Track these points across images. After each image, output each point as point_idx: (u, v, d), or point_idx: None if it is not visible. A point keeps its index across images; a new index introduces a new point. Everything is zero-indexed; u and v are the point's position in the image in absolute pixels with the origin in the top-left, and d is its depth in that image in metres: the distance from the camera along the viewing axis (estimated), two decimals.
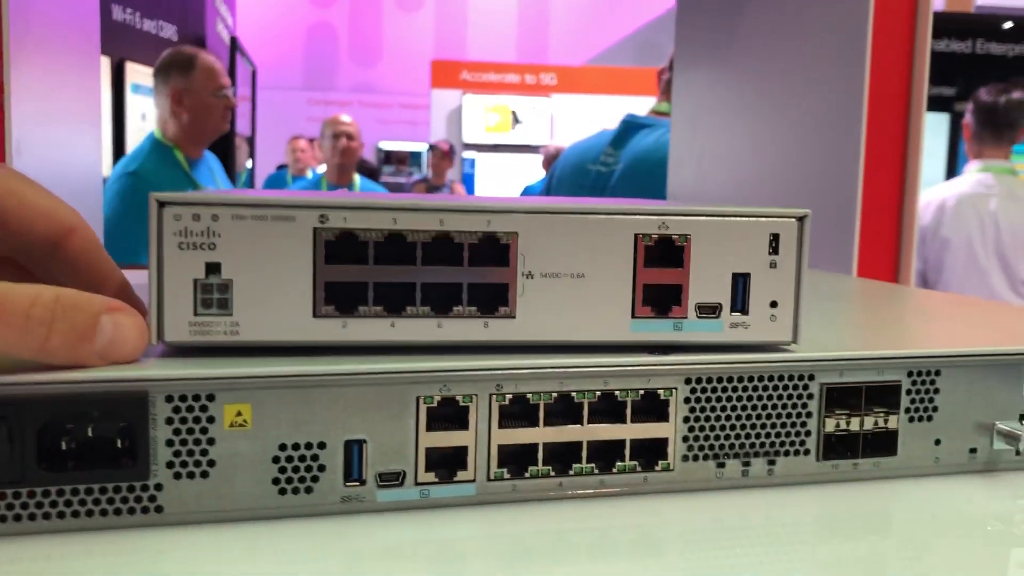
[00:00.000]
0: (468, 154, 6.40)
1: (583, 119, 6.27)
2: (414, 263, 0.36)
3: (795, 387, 0.39)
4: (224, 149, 3.24)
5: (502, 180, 6.33)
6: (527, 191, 4.49)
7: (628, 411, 0.37)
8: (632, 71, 6.30)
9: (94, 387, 0.32)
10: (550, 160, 4.77)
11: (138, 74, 3.19)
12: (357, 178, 2.95)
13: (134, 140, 3.10)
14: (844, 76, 0.79)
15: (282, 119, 6.34)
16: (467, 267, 0.36)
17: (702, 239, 0.37)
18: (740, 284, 0.38)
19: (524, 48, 7.29)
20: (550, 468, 0.37)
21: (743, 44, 0.97)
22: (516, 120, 6.53)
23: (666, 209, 0.37)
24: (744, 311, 0.38)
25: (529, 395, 0.36)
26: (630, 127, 1.71)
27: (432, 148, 4.87)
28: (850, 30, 0.78)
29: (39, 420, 0.32)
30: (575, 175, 1.78)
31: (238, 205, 0.34)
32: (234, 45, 4.41)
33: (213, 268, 0.34)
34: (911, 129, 0.78)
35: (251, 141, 5.06)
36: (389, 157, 6.84)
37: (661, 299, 0.38)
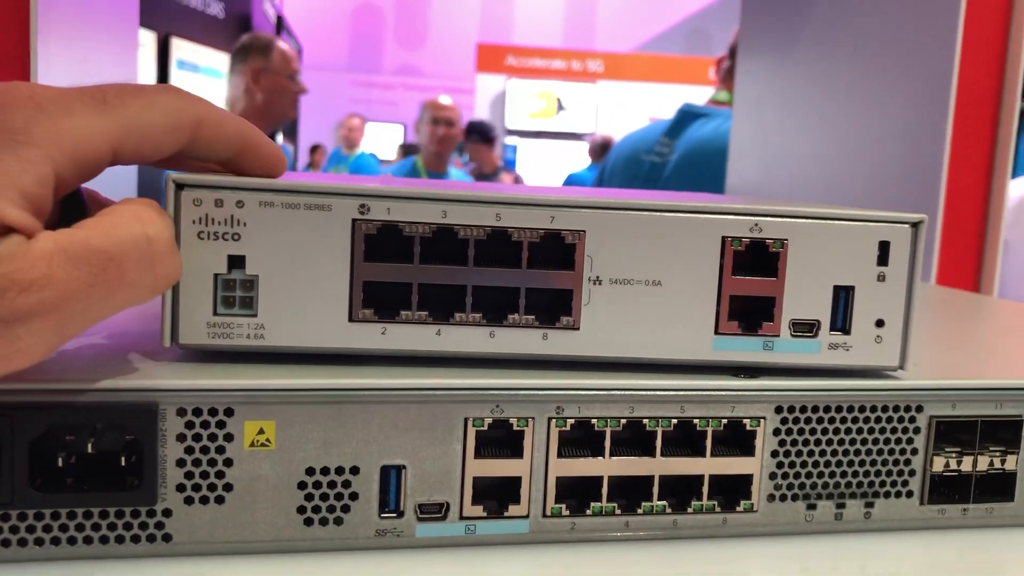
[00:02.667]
0: (510, 140, 6.34)
1: (629, 107, 6.18)
2: (465, 263, 0.31)
3: (900, 420, 0.33)
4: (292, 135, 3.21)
5: (544, 168, 6.26)
6: (570, 180, 4.42)
7: (708, 442, 0.32)
8: (681, 59, 6.19)
9: (96, 396, 0.28)
10: (596, 149, 4.69)
11: (184, 50, 3.17)
12: (452, 169, 2.82)
13: None
14: (929, 69, 0.73)
15: (326, 100, 6.31)
16: (526, 269, 0.31)
17: (800, 245, 0.32)
18: (842, 299, 0.33)
19: (571, 33, 7.20)
20: (615, 505, 0.32)
21: (813, 32, 0.91)
22: (560, 107, 6.45)
23: (760, 208, 0.32)
24: (845, 330, 0.33)
25: (594, 420, 0.31)
26: (686, 116, 1.65)
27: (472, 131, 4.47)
28: (938, 21, 0.72)
29: (32, 432, 0.27)
30: (628, 166, 1.72)
31: (267, 190, 0.30)
32: (280, 24, 4.38)
33: (237, 262, 0.30)
34: (1001, 127, 0.72)
35: (294, 121, 5.05)
36: None
37: (750, 313, 0.32)
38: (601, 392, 0.31)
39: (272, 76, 2.07)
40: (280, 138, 4.59)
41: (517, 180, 4.33)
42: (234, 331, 0.30)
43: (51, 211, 0.30)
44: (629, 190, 0.44)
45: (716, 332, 0.32)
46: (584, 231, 0.31)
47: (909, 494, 0.34)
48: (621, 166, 1.74)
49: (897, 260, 0.33)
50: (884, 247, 0.33)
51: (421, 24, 7.26)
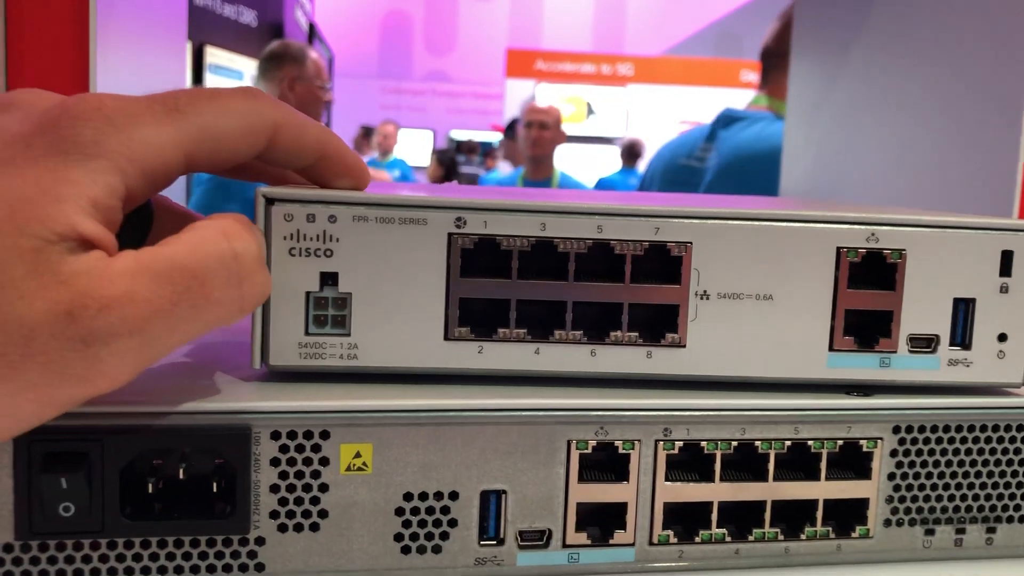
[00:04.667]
0: None
1: (660, 110, 6.14)
2: (565, 278, 0.29)
3: (1023, 440, 0.31)
4: None
5: (575, 172, 6.25)
6: (600, 184, 4.40)
7: (823, 465, 0.30)
8: (711, 62, 6.14)
9: (187, 419, 0.27)
10: (626, 153, 4.66)
11: (216, 57, 3.20)
12: (558, 172, 2.67)
13: None
14: (1002, 70, 0.71)
15: (357, 106, 6.33)
16: (629, 284, 0.30)
17: (919, 255, 0.30)
18: (962, 312, 0.31)
19: (600, 37, 7.17)
20: (725, 531, 0.30)
21: (871, 30, 0.89)
22: (590, 111, 6.42)
23: (876, 218, 0.30)
24: (966, 345, 0.31)
25: (703, 443, 0.29)
26: (726, 120, 1.62)
27: (514, 127, 4.20)
28: (1010, 10, 0.69)
29: (123, 457, 0.26)
30: (668, 171, 1.70)
31: (360, 204, 0.28)
32: (312, 32, 4.40)
33: (329, 279, 0.29)
34: None
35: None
36: (460, 147, 6.81)
37: (866, 328, 0.31)
38: (710, 412, 0.29)
39: (306, 84, 2.11)
40: None
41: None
42: (326, 351, 0.29)
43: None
44: (737, 197, 0.43)
45: (830, 348, 0.30)
46: (691, 243, 0.30)
47: None
48: (660, 172, 1.72)
49: (1021, 270, 0.31)
50: (1007, 257, 0.31)
51: (450, 30, 7.27)
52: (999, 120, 0.71)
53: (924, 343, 0.31)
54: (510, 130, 3.76)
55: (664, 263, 0.30)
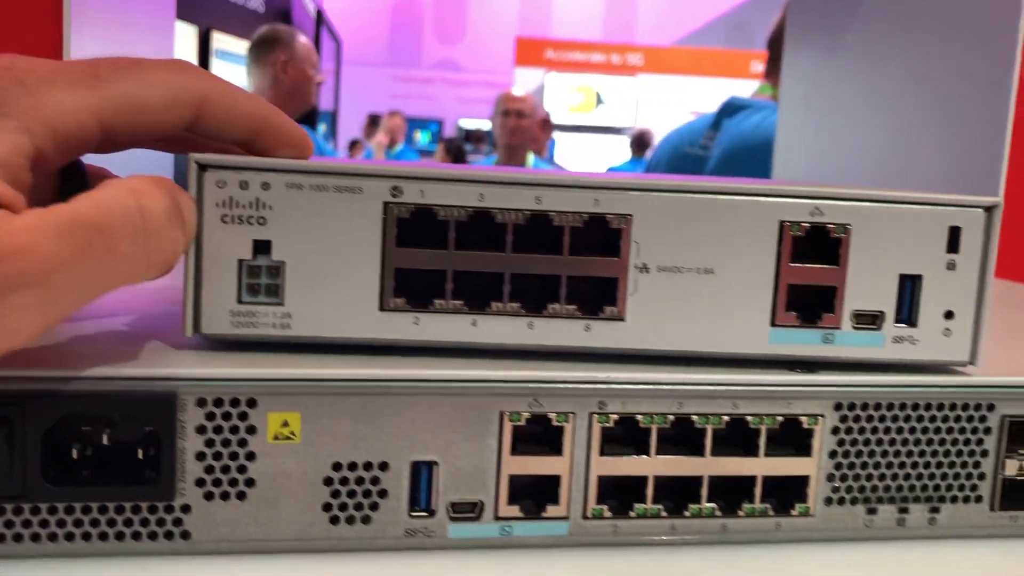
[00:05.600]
0: None
1: (670, 101, 6.12)
2: (503, 249, 0.29)
3: (969, 419, 0.31)
4: (311, 123, 3.22)
5: (583, 162, 6.23)
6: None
7: (762, 441, 0.30)
8: (722, 52, 6.11)
9: (112, 385, 0.26)
10: (635, 143, 4.64)
11: (223, 43, 3.19)
12: (531, 158, 2.66)
13: None
14: (989, 58, 0.70)
15: (365, 95, 6.32)
16: (567, 256, 0.29)
17: (865, 230, 0.30)
18: (908, 289, 0.30)
19: (611, 27, 7.14)
20: (661, 507, 0.30)
21: (865, 21, 0.88)
22: (600, 100, 6.40)
23: (821, 191, 0.30)
24: (912, 322, 0.31)
25: (639, 416, 0.29)
26: (730, 109, 1.61)
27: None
28: (998, 7, 0.69)
29: (46, 422, 0.26)
30: (672, 160, 1.69)
31: (294, 172, 0.28)
32: (320, 18, 4.39)
33: (262, 247, 0.28)
34: None
35: (333, 116, 5.07)
36: (468, 135, 6.80)
37: (809, 304, 0.30)
38: (647, 386, 0.29)
39: (298, 66, 2.12)
40: (323, 128, 4.60)
41: None
42: (259, 320, 0.29)
43: (47, 187, 0.28)
44: (680, 175, 0.42)
45: (772, 324, 0.30)
46: (631, 215, 0.29)
47: (978, 499, 0.32)
48: (665, 161, 1.71)
49: (969, 247, 0.30)
50: (955, 233, 0.30)
51: (460, 18, 7.25)
52: (987, 109, 0.70)
53: (869, 320, 0.30)
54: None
55: (603, 235, 0.29)
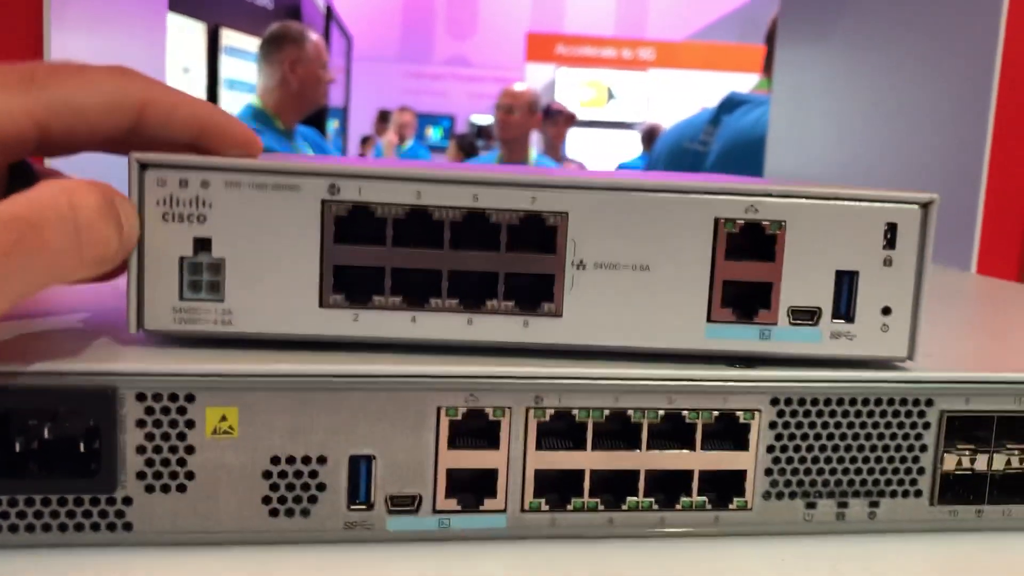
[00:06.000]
0: None
1: (681, 96, 6.10)
2: (441, 246, 0.29)
3: (908, 414, 0.31)
4: (317, 124, 3.23)
5: (595, 157, 6.22)
6: (620, 169, 4.38)
7: (698, 436, 0.30)
8: (734, 47, 6.08)
9: (54, 380, 0.27)
10: (645, 137, 4.63)
11: (232, 39, 3.21)
12: (533, 154, 2.70)
13: (227, 101, 3.12)
14: (971, 52, 0.70)
15: (376, 91, 6.34)
16: (505, 253, 0.30)
17: (800, 227, 0.30)
18: (845, 284, 0.31)
19: (622, 21, 7.12)
20: (598, 501, 0.30)
21: (852, 16, 0.88)
22: (611, 95, 6.40)
23: (755, 188, 0.30)
24: (849, 318, 0.31)
25: (575, 411, 0.29)
26: (729, 104, 1.61)
27: (549, 113, 3.76)
28: (983, 6, 0.68)
29: None
30: (672, 155, 1.69)
31: (232, 170, 0.29)
32: (329, 14, 4.40)
33: (203, 244, 0.29)
34: None
35: (344, 112, 5.08)
36: (480, 131, 6.80)
37: (745, 300, 0.31)
38: (583, 381, 0.29)
39: (307, 65, 2.12)
40: (335, 125, 4.61)
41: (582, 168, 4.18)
42: (201, 316, 0.29)
43: None
44: (617, 171, 0.43)
45: (708, 320, 0.30)
46: (567, 212, 0.30)
47: (918, 494, 0.32)
48: (665, 156, 1.72)
49: (905, 243, 0.30)
50: (891, 229, 0.30)
51: (471, 14, 7.25)
52: (971, 105, 0.70)
53: (806, 315, 0.31)
54: (557, 113, 3.74)
55: (540, 233, 0.30)
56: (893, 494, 0.32)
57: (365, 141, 5.59)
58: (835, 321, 0.31)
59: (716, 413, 0.30)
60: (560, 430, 0.30)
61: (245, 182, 0.29)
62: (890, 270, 0.31)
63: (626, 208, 0.30)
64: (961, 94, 0.71)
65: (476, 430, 0.30)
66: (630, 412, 0.30)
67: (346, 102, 5.23)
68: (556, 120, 3.79)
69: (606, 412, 0.30)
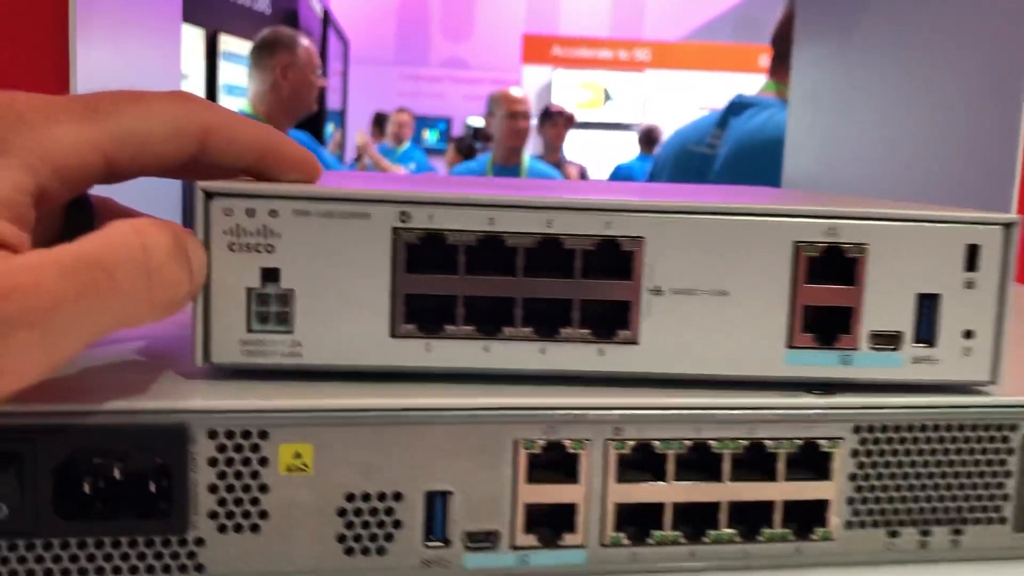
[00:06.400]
0: None
1: (678, 96, 6.10)
2: (514, 273, 0.29)
3: (991, 439, 0.30)
4: (314, 128, 3.22)
5: (591, 159, 6.22)
6: (618, 170, 4.38)
7: (781, 466, 0.29)
8: (730, 47, 6.08)
9: (123, 418, 0.26)
10: (643, 139, 4.62)
11: (230, 45, 3.20)
12: (526, 159, 2.66)
13: (226, 106, 3.10)
14: (1003, 50, 0.69)
15: (373, 94, 6.32)
16: (580, 280, 0.29)
17: (881, 249, 0.29)
18: (927, 308, 0.30)
19: (618, 22, 7.12)
20: (679, 533, 0.29)
21: (875, 17, 0.87)
22: (608, 97, 6.39)
23: (835, 211, 0.29)
24: (931, 342, 0.30)
25: (655, 442, 0.29)
26: (737, 107, 1.60)
27: (548, 115, 3.77)
28: (1012, 6, 0.68)
29: (57, 456, 0.26)
30: (679, 158, 1.68)
31: (301, 198, 0.28)
32: (327, 18, 4.39)
33: (271, 275, 0.28)
34: None
35: (342, 115, 5.07)
36: (477, 133, 6.80)
37: (826, 325, 0.30)
38: (663, 412, 0.29)
39: (299, 70, 2.10)
40: (331, 128, 4.60)
41: (583, 173, 4.16)
42: (269, 348, 0.28)
43: (52, 223, 0.28)
44: (692, 188, 0.42)
45: (788, 346, 0.30)
46: (643, 237, 0.29)
47: (1001, 520, 0.31)
48: (672, 159, 1.71)
49: (987, 265, 0.30)
50: (973, 251, 0.30)
51: (467, 16, 7.25)
52: (1001, 109, 0.69)
53: (887, 340, 0.30)
54: (557, 115, 3.73)
55: (616, 258, 0.29)
56: (976, 521, 0.31)
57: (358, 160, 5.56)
58: (916, 345, 0.30)
59: (799, 442, 0.29)
60: (640, 462, 0.29)
61: (314, 211, 0.28)
62: (972, 292, 0.30)
63: (703, 232, 0.29)
64: (993, 98, 0.71)
65: (554, 463, 0.29)
66: (712, 442, 0.29)
67: (344, 106, 5.22)
68: (556, 122, 3.78)
69: (687, 443, 0.29)
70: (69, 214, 0.30)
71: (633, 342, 0.29)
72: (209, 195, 0.28)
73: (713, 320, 0.29)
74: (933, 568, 0.31)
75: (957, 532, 0.31)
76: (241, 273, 0.28)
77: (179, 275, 0.26)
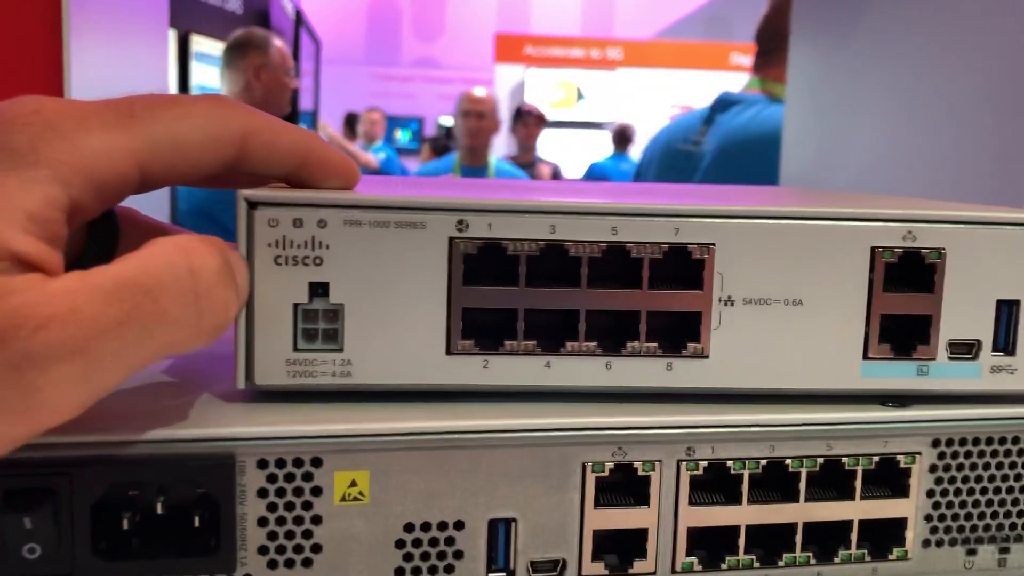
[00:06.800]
0: None
1: (650, 94, 6.10)
2: (578, 284, 0.27)
3: None
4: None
5: (565, 157, 6.21)
6: (592, 169, 4.37)
7: (858, 483, 0.28)
8: (701, 45, 6.09)
9: (163, 448, 0.24)
10: (616, 137, 4.62)
11: (202, 45, 3.15)
12: (492, 160, 2.66)
13: None
14: (1004, 57, 0.68)
15: (345, 94, 6.27)
16: (647, 290, 0.27)
17: (959, 254, 0.28)
18: (1005, 315, 0.29)
19: (589, 21, 7.11)
20: (754, 557, 0.28)
21: (873, 14, 0.86)
22: (580, 96, 6.38)
23: (912, 214, 0.28)
24: (1009, 351, 0.29)
25: (729, 462, 0.27)
26: (723, 104, 1.60)
27: (519, 114, 3.75)
28: (1015, 2, 0.67)
29: (95, 492, 0.24)
30: (665, 156, 1.67)
31: (353, 207, 0.26)
32: (299, 19, 4.34)
33: (319, 289, 0.26)
34: None
35: (314, 116, 5.02)
36: (449, 133, 6.77)
37: (903, 334, 0.28)
38: (737, 429, 0.27)
39: (272, 71, 2.07)
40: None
41: (556, 173, 4.17)
42: (317, 368, 0.26)
43: (77, 238, 0.26)
44: (763, 190, 0.40)
45: (865, 356, 0.28)
46: (713, 244, 0.27)
47: None
48: (658, 157, 1.70)
49: None
50: None
51: (438, 15, 7.21)
52: (1003, 107, 0.68)
53: (965, 349, 0.29)
54: (528, 114, 3.73)
55: (685, 267, 0.27)
56: None
57: None
58: (995, 354, 0.29)
59: (876, 458, 0.28)
60: (713, 483, 0.27)
61: (366, 220, 0.26)
62: None
63: (777, 238, 0.27)
64: (996, 95, 0.70)
65: (623, 485, 0.27)
66: (788, 461, 0.27)
67: (316, 106, 5.17)
68: (526, 121, 3.77)
69: (762, 462, 0.27)
70: (93, 228, 0.28)
71: (703, 355, 0.28)
72: (253, 204, 0.26)
73: (787, 331, 0.28)
74: None
75: None
76: (287, 288, 0.26)
77: (228, 297, 0.24)
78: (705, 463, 0.27)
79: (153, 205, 0.71)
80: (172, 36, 2.93)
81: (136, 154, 0.24)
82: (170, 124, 0.25)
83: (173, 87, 3.08)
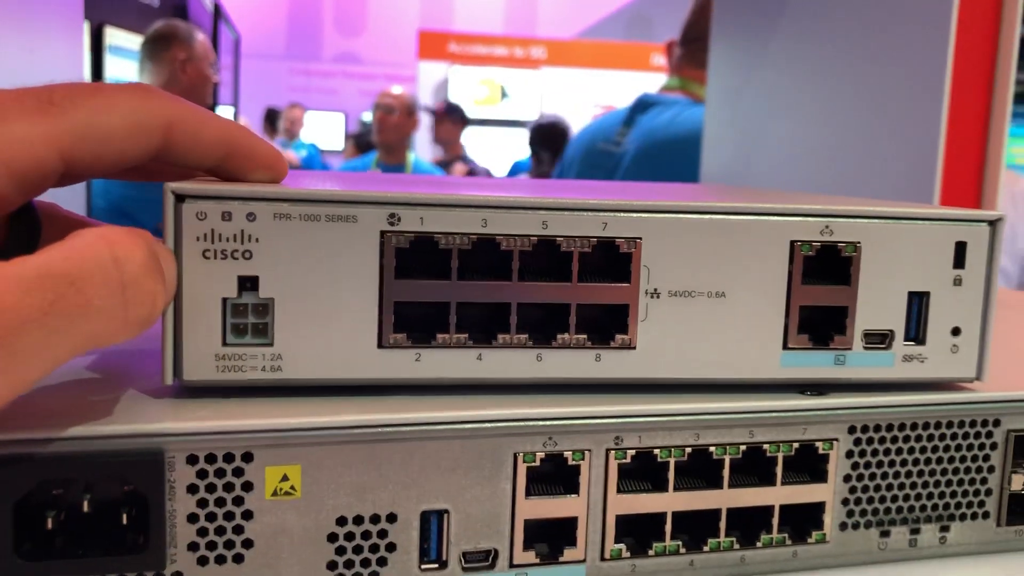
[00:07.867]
0: None
1: (573, 94, 6.15)
2: (509, 278, 0.27)
3: (976, 435, 0.31)
4: None
5: (490, 155, 6.22)
6: (516, 167, 4.39)
7: (779, 469, 0.29)
8: (623, 45, 6.16)
9: (90, 444, 0.24)
10: (532, 136, 4.64)
11: (117, 38, 3.06)
12: (411, 157, 2.64)
13: None
14: (921, 46, 0.71)
15: (264, 89, 6.16)
16: (576, 283, 0.28)
17: (874, 248, 0.29)
18: (916, 306, 0.30)
19: (512, 20, 7.13)
20: (679, 543, 0.28)
21: (793, 13, 0.89)
22: (504, 94, 6.40)
23: (830, 209, 0.29)
24: (920, 340, 0.30)
25: (656, 451, 0.28)
26: (642, 105, 1.62)
27: (435, 113, 3.72)
28: (929, 4, 0.70)
29: (18, 490, 0.23)
30: (587, 156, 1.69)
31: (282, 200, 0.26)
32: (217, 12, 4.25)
33: (248, 283, 0.26)
34: (993, 118, 0.70)
35: (234, 111, 4.92)
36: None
37: (821, 325, 0.29)
38: (664, 418, 0.28)
39: (196, 65, 2.04)
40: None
41: (472, 171, 4.17)
42: (247, 363, 0.26)
43: None
44: (687, 187, 0.41)
45: (784, 347, 0.29)
46: (640, 239, 0.28)
47: (985, 515, 0.31)
48: (580, 156, 1.71)
49: (974, 262, 0.30)
50: (960, 248, 0.30)
51: (360, 10, 7.14)
52: (919, 105, 0.71)
53: (879, 339, 0.30)
54: (451, 112, 3.72)
55: (613, 260, 0.28)
56: (963, 517, 0.31)
57: None
58: (907, 343, 0.30)
59: (796, 445, 0.29)
60: (640, 471, 0.28)
61: (296, 213, 0.26)
62: (959, 290, 0.30)
63: (702, 232, 0.28)
64: (912, 98, 0.72)
65: (553, 475, 0.27)
66: (712, 449, 0.28)
67: (235, 101, 5.07)
68: (443, 120, 3.76)
69: (687, 450, 0.28)
70: (13, 221, 0.27)
71: (631, 347, 0.28)
72: (180, 198, 0.25)
73: (710, 322, 0.29)
74: (922, 565, 0.31)
75: (944, 529, 0.31)
76: (216, 282, 0.26)
77: (155, 288, 0.23)
78: (633, 451, 0.28)
79: (68, 202, 0.69)
80: (85, 28, 2.84)
81: (57, 142, 0.23)
82: (92, 112, 0.24)
83: (85, 79, 2.99)
